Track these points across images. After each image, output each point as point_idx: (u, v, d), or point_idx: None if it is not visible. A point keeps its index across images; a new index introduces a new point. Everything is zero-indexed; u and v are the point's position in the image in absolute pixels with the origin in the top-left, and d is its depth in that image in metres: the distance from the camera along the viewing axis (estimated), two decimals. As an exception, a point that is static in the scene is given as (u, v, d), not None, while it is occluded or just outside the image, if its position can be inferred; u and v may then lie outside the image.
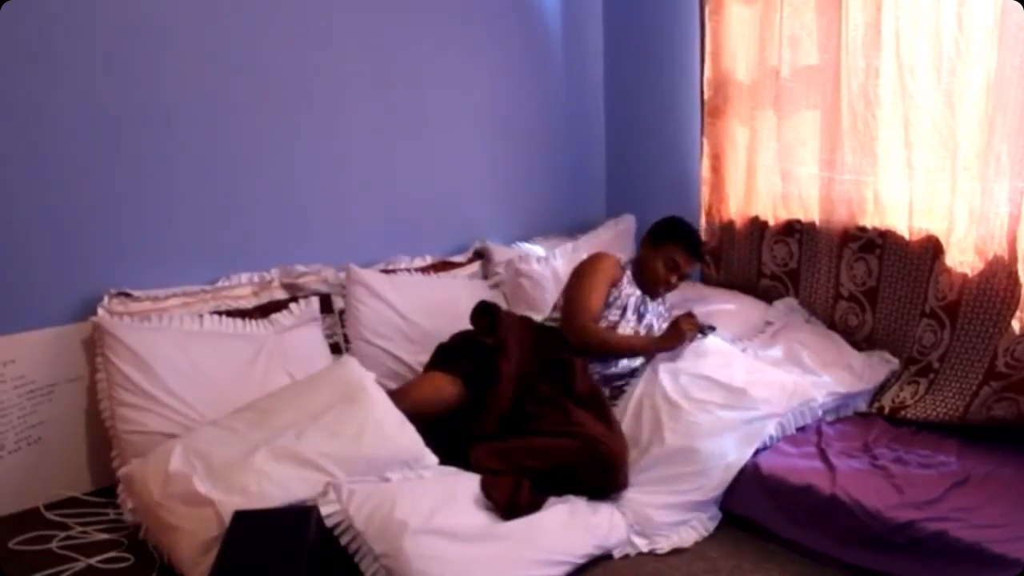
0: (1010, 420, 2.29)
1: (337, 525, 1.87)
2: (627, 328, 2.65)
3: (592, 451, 2.16)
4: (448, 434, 2.29)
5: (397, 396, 2.28)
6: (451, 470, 2.13)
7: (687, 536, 2.12)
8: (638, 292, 2.71)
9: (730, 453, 2.23)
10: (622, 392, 2.50)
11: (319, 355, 2.60)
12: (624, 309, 2.65)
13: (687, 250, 2.69)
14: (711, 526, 2.17)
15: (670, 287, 2.73)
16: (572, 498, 2.12)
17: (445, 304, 2.84)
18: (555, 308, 2.74)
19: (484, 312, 2.58)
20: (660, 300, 2.78)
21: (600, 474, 2.17)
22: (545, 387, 2.36)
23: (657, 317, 2.75)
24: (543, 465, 2.16)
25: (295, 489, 1.95)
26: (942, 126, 2.48)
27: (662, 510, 2.14)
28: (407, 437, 2.16)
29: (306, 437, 2.06)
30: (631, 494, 2.17)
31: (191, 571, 1.85)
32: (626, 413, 2.39)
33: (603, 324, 2.60)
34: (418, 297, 2.85)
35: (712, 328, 2.59)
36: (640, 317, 2.69)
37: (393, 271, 2.92)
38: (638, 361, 2.58)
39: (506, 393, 2.33)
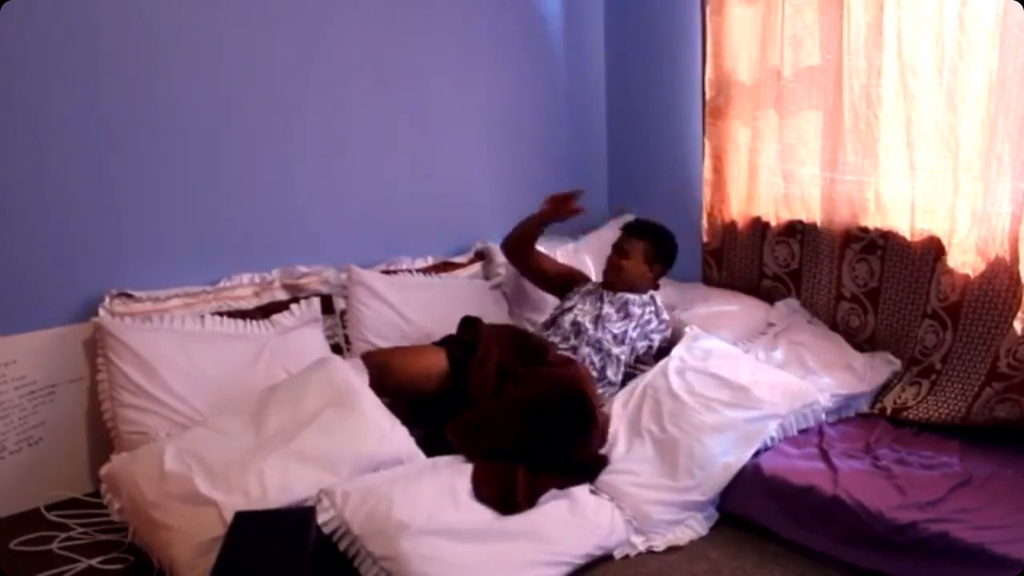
0: (1012, 421, 2.28)
1: (334, 531, 1.87)
2: (579, 310, 2.70)
3: (561, 381, 2.27)
4: (434, 422, 2.31)
5: (386, 367, 2.36)
6: (443, 462, 2.12)
7: (683, 535, 2.12)
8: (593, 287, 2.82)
9: (730, 452, 2.23)
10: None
11: (320, 355, 2.59)
12: (576, 296, 2.78)
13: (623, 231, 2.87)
14: (707, 526, 2.17)
15: (612, 267, 2.79)
16: (573, 495, 2.10)
17: (446, 305, 2.84)
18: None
19: (468, 324, 2.66)
20: (636, 302, 2.74)
21: (572, 406, 2.19)
22: (522, 369, 2.42)
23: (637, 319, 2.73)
24: (517, 403, 2.24)
25: (297, 489, 1.95)
26: (944, 126, 2.48)
27: (659, 507, 2.13)
28: (400, 436, 2.17)
29: (301, 438, 2.07)
30: (631, 489, 2.16)
31: (187, 572, 1.83)
32: (631, 397, 2.42)
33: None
34: (420, 298, 2.85)
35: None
36: (589, 303, 2.74)
37: (394, 272, 2.92)
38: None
39: (489, 367, 2.40)
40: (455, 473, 2.05)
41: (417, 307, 2.83)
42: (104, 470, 2.14)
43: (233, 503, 1.87)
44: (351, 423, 2.13)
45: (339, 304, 2.78)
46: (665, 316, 2.78)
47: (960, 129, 2.44)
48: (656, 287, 2.84)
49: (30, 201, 2.33)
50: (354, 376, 2.28)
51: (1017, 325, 2.28)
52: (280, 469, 1.98)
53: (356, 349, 2.71)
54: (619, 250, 2.79)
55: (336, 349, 2.70)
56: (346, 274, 2.79)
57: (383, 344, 2.73)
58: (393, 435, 2.17)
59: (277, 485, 1.94)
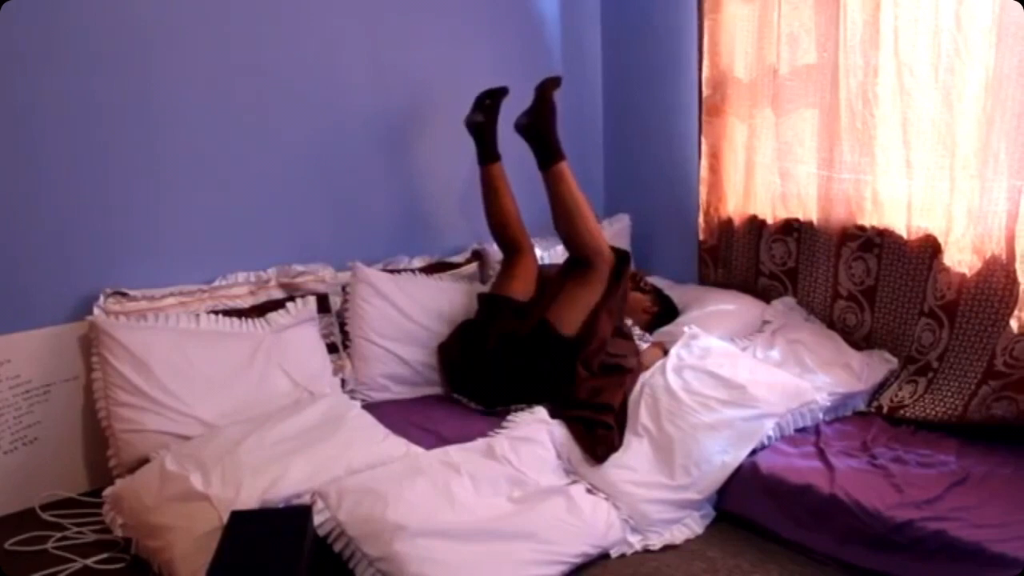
0: (1009, 419, 2.28)
1: (329, 533, 1.86)
2: None
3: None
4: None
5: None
6: (439, 464, 2.12)
7: (680, 534, 2.12)
8: None
9: (727, 451, 2.23)
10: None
11: (316, 354, 2.60)
12: None
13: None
14: (704, 525, 2.17)
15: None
16: (569, 494, 2.10)
17: (448, 305, 2.85)
18: None
19: None
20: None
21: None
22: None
23: None
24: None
25: (291, 486, 1.95)
26: (940, 125, 2.48)
27: (656, 505, 2.13)
28: (393, 444, 2.19)
29: (297, 439, 2.12)
30: (628, 487, 2.15)
31: (185, 570, 1.83)
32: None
33: None
34: (422, 297, 2.84)
35: None
36: None
37: (395, 271, 2.92)
38: None
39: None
40: (450, 473, 2.04)
41: (420, 306, 2.82)
42: (107, 492, 2.15)
43: (227, 496, 1.88)
44: (346, 431, 2.19)
45: (335, 303, 2.77)
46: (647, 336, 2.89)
47: (957, 127, 2.43)
48: (643, 329, 2.92)
49: (24, 199, 2.32)
50: (352, 405, 2.39)
51: (1013, 323, 2.28)
52: (275, 465, 1.99)
53: (357, 347, 2.71)
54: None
55: (332, 348, 2.69)
56: (351, 272, 2.77)
57: (386, 343, 2.73)
58: (387, 442, 2.20)
59: (271, 480, 1.94)
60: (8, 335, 2.31)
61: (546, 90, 2.74)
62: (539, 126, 2.71)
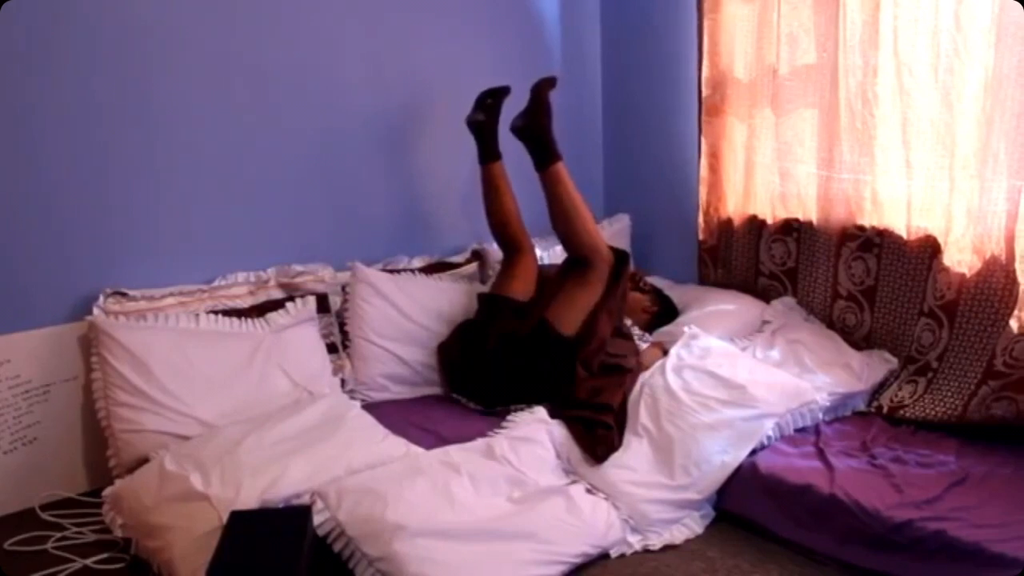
0: (1009, 419, 2.29)
1: (329, 533, 1.86)
2: None
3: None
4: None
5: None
6: (439, 464, 2.12)
7: (679, 534, 2.12)
8: None
9: (727, 451, 2.23)
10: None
11: (315, 354, 2.60)
12: None
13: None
14: (704, 525, 2.17)
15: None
16: (569, 494, 2.10)
17: (448, 305, 2.85)
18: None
19: None
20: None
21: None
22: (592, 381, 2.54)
23: None
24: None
25: (290, 486, 1.95)
26: (940, 125, 2.48)
27: (656, 505, 2.13)
28: (393, 444, 2.19)
29: (297, 439, 2.12)
30: (627, 487, 2.15)
31: (186, 570, 1.83)
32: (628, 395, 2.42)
33: None
34: (422, 297, 2.84)
35: None
36: None
37: (395, 271, 2.92)
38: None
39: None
40: (450, 473, 2.04)
41: (420, 306, 2.82)
42: (107, 492, 2.15)
43: (226, 496, 1.88)
44: (346, 431, 2.19)
45: (335, 303, 2.77)
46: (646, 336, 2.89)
47: (956, 127, 2.43)
48: (642, 329, 2.92)
49: (24, 199, 2.32)
50: (352, 405, 2.40)
51: (1013, 323, 2.28)
52: (275, 465, 1.99)
53: (356, 347, 2.71)
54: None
55: (331, 348, 2.69)
56: (350, 272, 2.77)
57: (385, 343, 2.73)
58: (387, 442, 2.20)
59: (271, 480, 1.94)
60: (8, 335, 2.31)
61: (541, 91, 2.74)
62: (535, 127, 2.71)
